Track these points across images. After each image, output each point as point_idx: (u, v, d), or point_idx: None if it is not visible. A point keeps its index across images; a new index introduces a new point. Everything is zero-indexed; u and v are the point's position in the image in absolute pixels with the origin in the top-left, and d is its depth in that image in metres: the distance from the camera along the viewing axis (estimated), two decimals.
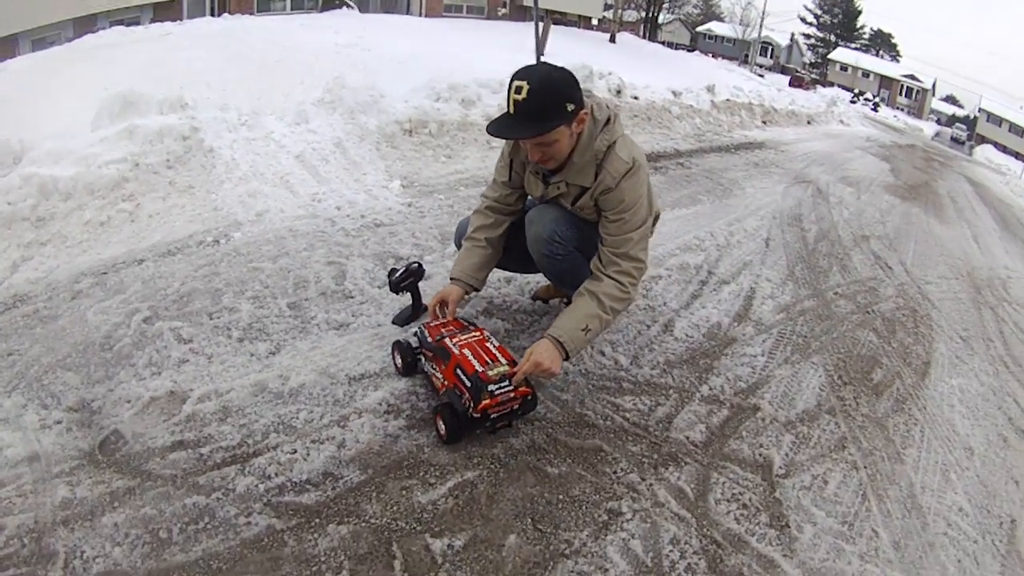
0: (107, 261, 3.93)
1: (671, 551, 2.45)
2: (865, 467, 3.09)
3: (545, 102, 2.58)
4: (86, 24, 17.05)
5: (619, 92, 9.34)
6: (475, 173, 6.12)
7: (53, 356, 3.14)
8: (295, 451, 2.66)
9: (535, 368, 2.69)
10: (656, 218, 3.31)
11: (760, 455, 3.00)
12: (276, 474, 2.55)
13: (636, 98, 9.58)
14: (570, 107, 2.62)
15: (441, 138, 6.50)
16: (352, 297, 3.78)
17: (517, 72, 2.64)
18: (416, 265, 3.32)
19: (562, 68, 2.68)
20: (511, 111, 2.63)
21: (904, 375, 3.96)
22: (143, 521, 2.33)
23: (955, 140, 45.47)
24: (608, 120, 2.83)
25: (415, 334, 3.11)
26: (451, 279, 3.17)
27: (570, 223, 3.02)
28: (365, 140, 5.93)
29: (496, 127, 2.70)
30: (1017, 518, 3.10)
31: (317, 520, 2.39)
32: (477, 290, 3.25)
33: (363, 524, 2.39)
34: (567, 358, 2.82)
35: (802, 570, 2.47)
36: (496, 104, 7.11)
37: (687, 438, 3.03)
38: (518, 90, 2.57)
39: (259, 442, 2.70)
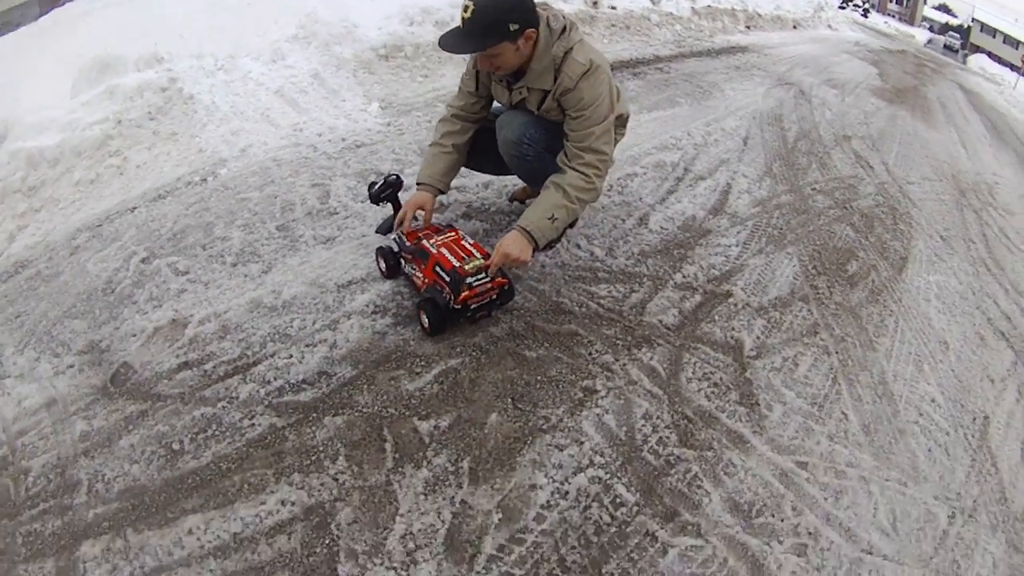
0: (100, 214, 3.95)
1: (643, 425, 2.53)
2: (836, 352, 3.10)
3: (486, 22, 2.70)
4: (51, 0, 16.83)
5: (595, 3, 9.03)
6: (452, 89, 5.86)
7: (59, 309, 3.20)
8: (291, 356, 2.75)
9: (505, 259, 2.79)
10: (625, 120, 3.37)
11: (731, 337, 3.04)
12: (275, 378, 2.64)
13: (614, 8, 9.22)
14: (513, 27, 2.71)
15: (417, 59, 6.39)
16: (337, 213, 3.81)
17: None
18: (394, 177, 3.34)
19: None
20: (460, 26, 2.76)
21: (880, 268, 3.93)
22: (156, 438, 2.43)
23: (948, 48, 43.66)
24: (564, 29, 2.91)
25: (395, 239, 3.16)
26: (419, 184, 3.22)
27: (538, 125, 3.08)
28: (342, 69, 5.84)
29: (443, 40, 2.83)
30: (990, 415, 3.12)
31: (314, 415, 2.48)
32: (444, 193, 3.31)
33: (356, 414, 2.49)
34: (537, 247, 2.89)
35: (771, 446, 2.54)
36: None
37: (660, 322, 3.08)
38: (465, 8, 2.71)
39: (257, 352, 2.78)
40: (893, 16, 53.39)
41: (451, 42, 2.80)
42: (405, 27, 6.62)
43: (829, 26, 17.19)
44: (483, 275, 2.76)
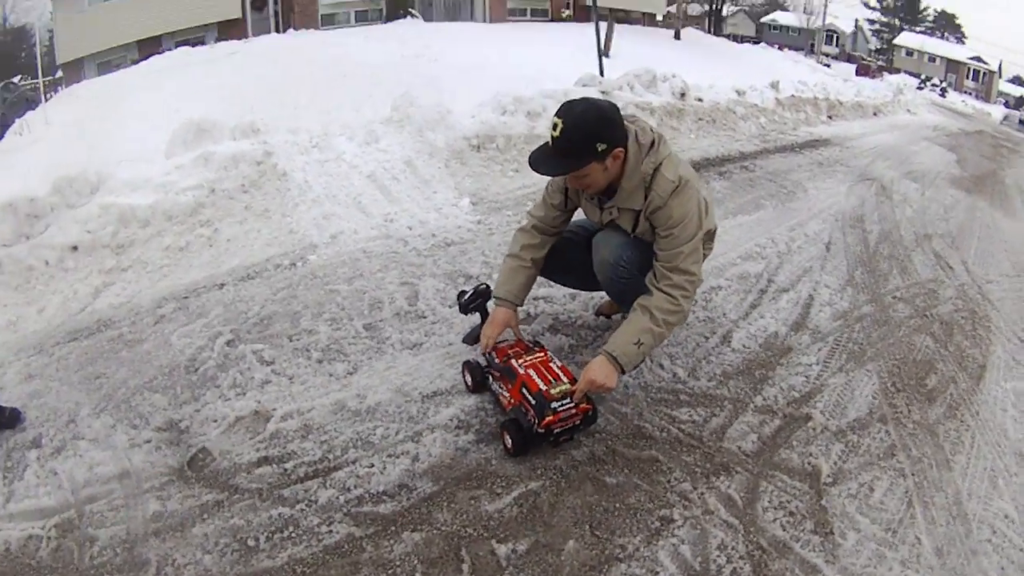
0: (188, 286, 4.31)
1: (718, 556, 2.64)
2: (913, 474, 3.16)
3: (575, 141, 2.87)
4: (151, 46, 17.94)
5: (683, 95, 9.44)
6: (542, 188, 6.21)
7: (140, 378, 3.51)
8: (372, 465, 2.96)
9: (591, 386, 2.94)
10: (713, 234, 3.55)
11: (809, 464, 3.14)
12: (355, 486, 2.85)
13: (700, 100, 9.67)
14: (601, 147, 2.88)
15: (508, 152, 6.77)
16: (424, 317, 4.07)
17: (561, 106, 2.93)
18: (484, 287, 3.58)
19: (601, 105, 2.96)
20: (550, 144, 2.94)
21: (959, 380, 3.96)
22: (231, 531, 2.64)
23: (1023, 123, 43.81)
24: (652, 143, 3.06)
25: (484, 355, 3.38)
26: (498, 298, 3.43)
27: (635, 247, 3.25)
28: (434, 157, 6.24)
29: (534, 158, 3.02)
30: None
31: (393, 528, 2.67)
32: (520, 306, 3.51)
33: (434, 531, 2.66)
34: (623, 372, 3.06)
35: (844, 575, 2.61)
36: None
37: (739, 448, 3.21)
38: (555, 127, 2.87)
39: (339, 457, 3.00)
40: (970, 93, 53.34)
41: (540, 161, 2.97)
42: (497, 116, 7.04)
43: (908, 110, 17.36)
44: (568, 400, 2.91)
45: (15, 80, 20.99)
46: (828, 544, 2.73)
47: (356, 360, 3.66)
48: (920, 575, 2.65)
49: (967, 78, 61.53)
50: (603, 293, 3.83)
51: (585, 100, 2.96)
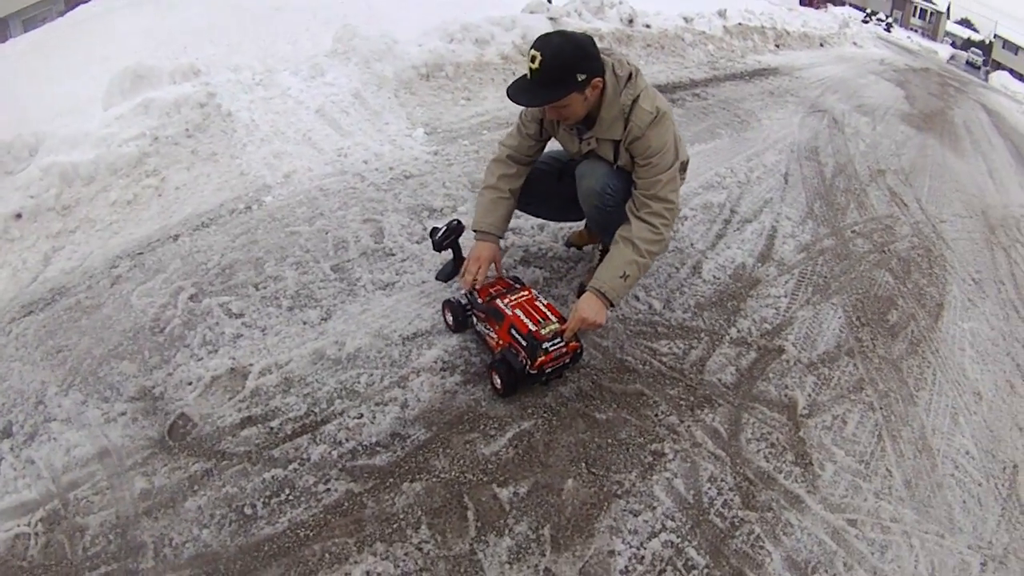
0: (141, 240, 4.07)
1: (709, 488, 2.73)
2: (881, 408, 3.34)
3: (555, 73, 2.82)
4: None
5: (631, 21, 9.26)
6: (496, 115, 6.21)
7: (104, 346, 3.30)
8: (361, 415, 2.85)
9: (582, 323, 2.94)
10: (686, 165, 3.50)
11: (785, 396, 3.27)
12: (347, 439, 2.74)
13: (648, 26, 9.51)
14: (580, 76, 2.85)
15: (458, 80, 6.57)
16: (393, 255, 3.92)
17: (536, 40, 2.88)
18: (456, 223, 3.44)
19: (576, 37, 2.89)
20: (528, 76, 2.88)
21: (919, 317, 4.16)
22: (226, 500, 2.52)
23: (970, 64, 44.57)
24: (630, 76, 3.04)
25: (464, 294, 3.28)
26: (480, 231, 3.33)
27: (619, 176, 3.20)
28: (383, 88, 5.98)
29: (514, 90, 2.93)
30: (1019, 464, 3.34)
31: (391, 480, 2.59)
32: (502, 238, 3.43)
33: (434, 479, 2.61)
34: (611, 306, 3.04)
35: (824, 505, 2.75)
36: (510, 41, 7.20)
37: (719, 380, 3.29)
38: (532, 59, 2.82)
39: (325, 410, 2.88)
40: (916, 31, 54.15)
41: (519, 94, 2.91)
42: (445, 44, 6.80)
43: (854, 43, 17.55)
44: (559, 340, 2.89)
45: None
46: (808, 475, 2.87)
47: (328, 305, 3.51)
48: (892, 506, 2.81)
49: (914, 16, 61.97)
50: (571, 224, 3.76)
51: (561, 32, 2.92)
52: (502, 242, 3.85)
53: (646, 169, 3.04)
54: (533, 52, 2.81)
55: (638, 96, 3.01)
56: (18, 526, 2.51)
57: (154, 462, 2.68)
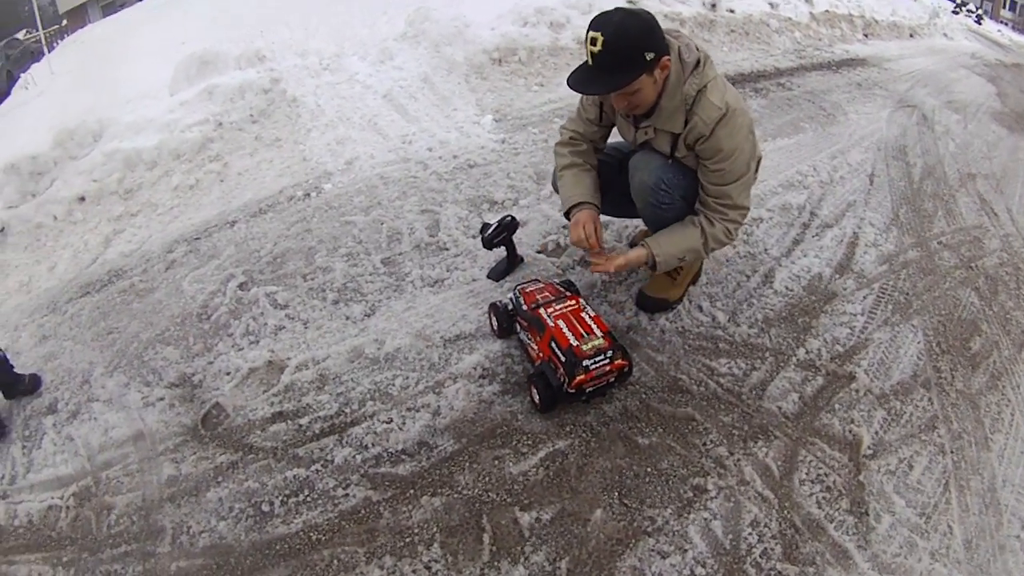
0: (199, 226, 4.18)
1: (749, 534, 2.52)
2: (952, 452, 3.01)
3: (622, 53, 2.58)
4: None
5: (714, 6, 8.98)
6: (570, 102, 5.98)
7: (152, 331, 3.41)
8: (391, 420, 2.83)
9: (624, 267, 2.96)
10: (758, 162, 3.23)
11: (850, 432, 2.98)
12: (372, 444, 2.74)
13: (732, 11, 9.19)
14: (649, 56, 2.60)
15: (532, 65, 6.45)
16: (447, 249, 3.89)
17: (592, 21, 2.62)
18: (509, 219, 3.39)
19: (638, 12, 2.64)
20: (589, 62, 2.64)
21: (1002, 345, 3.77)
22: (246, 494, 2.57)
23: None
24: (698, 63, 2.78)
25: (511, 298, 3.18)
26: (575, 205, 3.10)
27: (676, 170, 2.99)
28: (453, 73, 5.97)
29: (576, 80, 2.71)
30: None
31: (411, 491, 2.56)
32: (601, 211, 3.20)
33: (455, 496, 2.55)
34: (653, 269, 2.99)
35: (872, 563, 2.50)
36: (587, 25, 7.01)
37: (779, 408, 3.04)
38: (593, 41, 2.58)
39: (356, 411, 2.89)
40: (1006, 23, 51.53)
41: (584, 81, 2.70)
42: (519, 28, 6.70)
43: (944, 34, 16.73)
44: (602, 357, 2.69)
45: (19, 35, 20.86)
46: (862, 527, 2.61)
47: (374, 300, 3.51)
48: (947, 570, 2.54)
49: (1004, 7, 59.32)
50: (639, 221, 3.61)
51: (619, 9, 2.65)
52: (559, 238, 3.87)
53: (718, 175, 2.85)
54: (593, 34, 2.57)
55: (705, 86, 2.75)
56: (52, 498, 2.67)
57: (184, 450, 2.77)
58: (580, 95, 3.11)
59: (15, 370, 3.16)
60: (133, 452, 2.78)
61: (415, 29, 6.29)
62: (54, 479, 2.74)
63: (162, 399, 3.01)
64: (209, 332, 3.35)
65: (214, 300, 3.55)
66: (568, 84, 2.73)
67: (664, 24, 2.71)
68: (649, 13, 2.66)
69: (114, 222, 4.19)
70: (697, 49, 2.80)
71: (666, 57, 2.66)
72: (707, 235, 2.91)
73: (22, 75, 12.74)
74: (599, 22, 2.59)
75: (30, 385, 3.16)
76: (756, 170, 3.19)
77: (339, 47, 6.13)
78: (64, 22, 20.58)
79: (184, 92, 5.04)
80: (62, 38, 17.66)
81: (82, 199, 4.19)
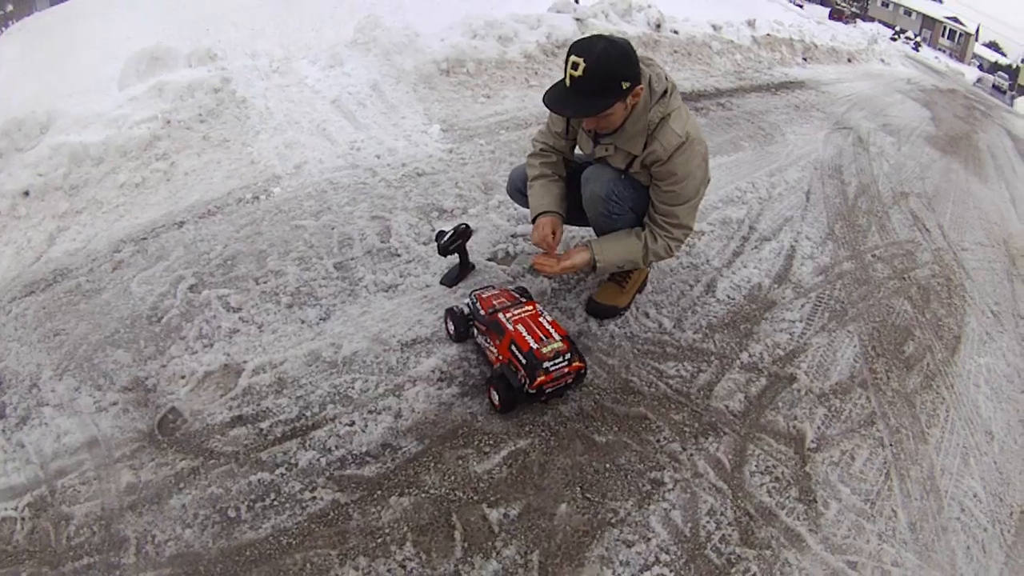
0: (146, 225, 4.09)
1: (707, 522, 2.66)
2: (891, 444, 3.25)
3: (600, 81, 2.73)
4: None
5: (659, 26, 9.20)
6: (515, 115, 6.18)
7: (101, 333, 3.33)
8: (353, 423, 2.84)
9: (570, 270, 3.16)
10: (707, 182, 3.40)
11: (794, 427, 3.18)
12: (336, 447, 2.74)
13: (676, 32, 9.45)
14: (625, 85, 2.76)
15: (479, 77, 6.53)
16: (398, 255, 3.91)
17: (575, 45, 2.77)
18: (463, 227, 3.44)
19: (619, 43, 2.77)
20: (567, 84, 2.78)
21: (935, 349, 4.05)
22: (210, 500, 2.54)
23: (996, 88, 44.15)
24: (665, 92, 2.96)
25: (467, 304, 3.25)
26: (540, 215, 3.28)
27: (626, 183, 3.16)
28: (402, 82, 5.98)
29: (552, 100, 2.87)
30: None
31: (379, 492, 2.58)
32: (565, 221, 3.39)
33: (423, 495, 2.59)
34: (593, 270, 3.18)
35: (824, 545, 2.67)
36: (534, 40, 7.15)
37: (726, 407, 3.22)
38: (575, 66, 2.71)
39: (317, 414, 2.88)
40: (944, 51, 53.94)
41: (561, 102, 2.84)
42: (468, 40, 6.77)
43: (882, 60, 17.45)
44: (561, 359, 2.82)
45: None
46: (811, 512, 2.80)
47: (328, 304, 3.51)
48: (895, 550, 2.73)
49: (942, 36, 61.89)
50: (588, 231, 3.71)
51: (602, 37, 2.79)
52: (508, 247, 3.95)
53: (670, 195, 3.03)
54: (575, 59, 2.72)
55: (669, 114, 2.95)
56: (5, 510, 2.56)
57: (142, 456, 2.71)
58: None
59: None
60: (88, 459, 2.71)
61: (366, 36, 6.27)
62: (6, 488, 2.63)
63: (115, 404, 2.93)
64: (160, 335, 3.29)
65: (164, 302, 3.48)
66: (544, 102, 2.88)
67: None
68: (629, 43, 2.81)
69: (59, 219, 4.07)
70: (666, 79, 3.00)
71: (639, 87, 2.82)
72: (648, 248, 3.12)
73: None
74: (582, 47, 2.74)
75: None
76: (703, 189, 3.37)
77: (286, 50, 6.08)
78: (9, 7, 19.93)
79: (133, 87, 4.92)
80: (7, 25, 17.12)
81: (26, 193, 4.06)
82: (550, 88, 2.90)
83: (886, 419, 3.37)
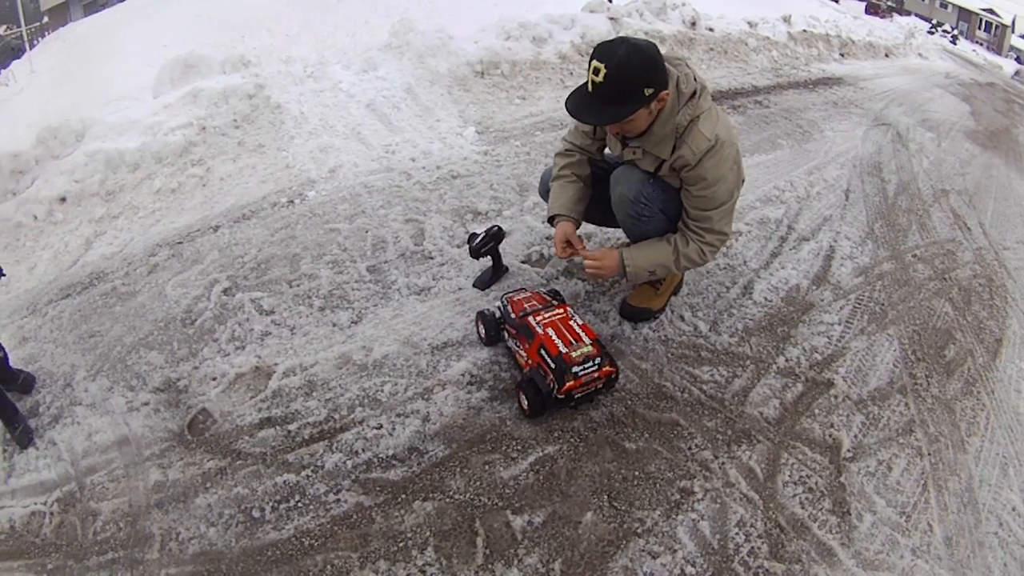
0: (181, 230, 4.15)
1: (736, 533, 2.59)
2: (929, 454, 3.12)
3: (622, 87, 2.66)
4: None
5: (694, 24, 9.10)
6: (550, 115, 6.14)
7: (135, 335, 3.38)
8: (380, 426, 2.84)
9: (596, 266, 3.07)
10: (742, 182, 3.30)
11: (830, 436, 3.08)
12: (363, 450, 2.74)
13: (711, 30, 9.33)
14: (648, 91, 2.68)
15: (514, 79, 6.52)
16: (432, 258, 3.90)
17: (597, 49, 2.69)
18: (496, 229, 3.42)
19: (643, 47, 2.69)
20: (589, 90, 2.72)
21: (976, 353, 3.90)
22: (235, 500, 2.55)
23: None
24: (694, 93, 2.85)
25: (498, 306, 3.23)
26: (554, 217, 3.28)
27: (656, 185, 3.08)
28: (436, 84, 6.00)
29: (574, 106, 2.81)
30: None
31: (403, 496, 2.57)
32: (579, 224, 3.33)
33: (447, 500, 2.57)
34: (625, 277, 3.14)
35: (856, 560, 2.58)
36: (569, 41, 7.13)
37: (761, 414, 3.13)
38: (596, 71, 2.64)
39: (345, 417, 2.89)
40: (981, 44, 52.72)
41: (582, 109, 2.79)
42: (502, 42, 6.76)
43: (919, 54, 17.05)
44: (591, 364, 2.76)
45: None
46: (844, 526, 2.71)
47: (360, 308, 3.51)
48: (929, 566, 2.63)
49: (979, 28, 60.73)
50: (621, 233, 3.67)
51: (625, 41, 2.70)
52: (542, 249, 3.90)
53: (700, 200, 2.94)
54: (596, 64, 2.64)
55: (697, 117, 2.84)
56: (35, 504, 2.63)
57: (171, 455, 2.75)
58: None
59: (11, 368, 3.11)
60: (118, 457, 2.75)
61: (399, 40, 6.31)
62: (37, 484, 2.70)
63: (147, 404, 2.98)
64: (194, 337, 3.33)
65: (198, 305, 3.52)
66: (566, 107, 2.82)
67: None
68: (654, 46, 2.72)
69: (95, 224, 4.16)
70: (695, 79, 2.88)
71: (665, 91, 2.73)
72: (679, 253, 3.02)
73: (2, 72, 12.68)
74: (603, 52, 2.66)
75: (24, 384, 3.11)
76: (737, 191, 3.28)
77: (321, 55, 6.16)
78: (46, 19, 20.42)
79: (168, 95, 5.01)
80: (43, 35, 17.55)
81: (63, 200, 4.15)
82: (572, 93, 2.85)
83: (925, 427, 3.26)
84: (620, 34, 6.02)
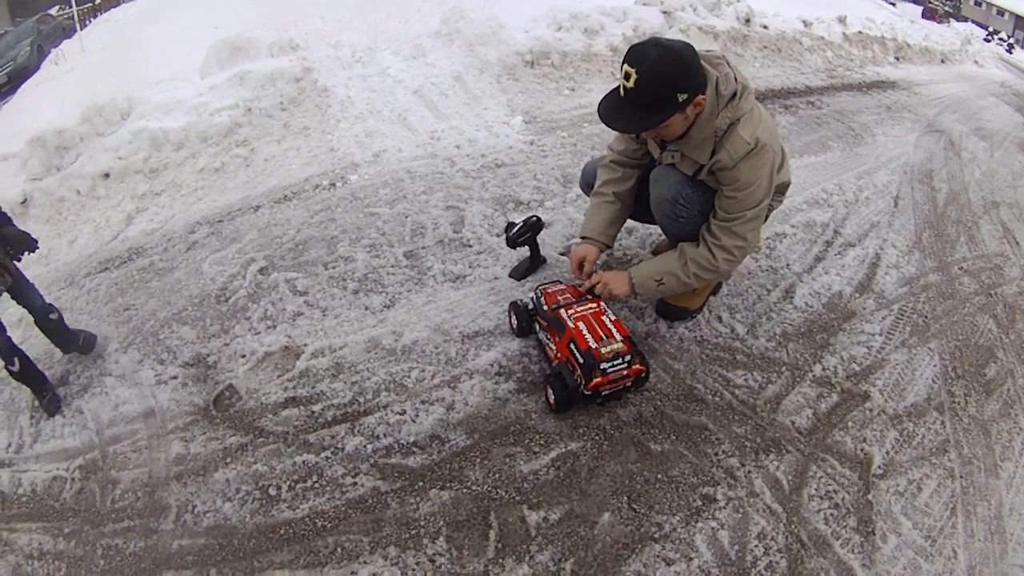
0: (222, 208, 4.20)
1: (756, 546, 2.49)
2: (961, 477, 2.98)
3: (654, 93, 2.55)
4: None
5: (748, 21, 8.95)
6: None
7: (169, 310, 3.42)
8: (404, 412, 2.82)
9: (603, 288, 2.99)
10: (785, 187, 3.23)
11: (861, 450, 2.96)
12: (384, 435, 2.73)
13: (765, 27, 9.16)
14: (682, 97, 2.56)
15: (564, 69, 6.44)
16: (470, 246, 3.87)
17: (629, 51, 2.59)
18: (535, 219, 3.38)
19: (677, 50, 2.56)
20: (621, 94, 2.62)
21: (1017, 374, 3.72)
22: (253, 477, 2.57)
23: None
24: (734, 95, 2.73)
25: (532, 297, 3.18)
26: (583, 238, 3.22)
27: (695, 186, 2.97)
28: (485, 73, 5.97)
29: (605, 112, 2.71)
30: None
31: (421, 484, 2.55)
32: (609, 247, 3.28)
33: (464, 491, 2.54)
34: (635, 295, 3.07)
35: None
36: (620, 33, 7.01)
37: (792, 423, 3.02)
38: (627, 76, 2.54)
39: (370, 401, 2.88)
40: None
41: (615, 116, 2.68)
42: (553, 32, 6.69)
43: (975, 62, 16.58)
44: (620, 361, 2.69)
45: (51, 11, 21.10)
46: (867, 546, 2.59)
47: (394, 292, 3.50)
48: None
49: None
50: (660, 231, 3.59)
51: (658, 44, 2.57)
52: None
53: (731, 202, 2.84)
54: (627, 68, 2.53)
55: (738, 119, 2.72)
56: (57, 469, 2.70)
57: (194, 429, 2.78)
58: None
59: (69, 329, 3.18)
60: (143, 428, 2.79)
61: (450, 27, 6.30)
62: (61, 450, 2.76)
63: (175, 378, 3.02)
64: (226, 314, 3.36)
65: (233, 283, 3.56)
66: (598, 113, 2.72)
67: (699, 39, 2.65)
68: (689, 48, 2.60)
69: (137, 200, 4.22)
70: (736, 80, 2.75)
71: (701, 96, 2.61)
72: (687, 258, 2.91)
73: (53, 50, 13.02)
74: (635, 56, 2.55)
75: (85, 344, 3.20)
76: (780, 196, 3.23)
77: (372, 41, 6.17)
78: (98, 0, 20.80)
79: (215, 76, 5.07)
80: (95, 16, 17.93)
81: (106, 175, 4.22)
82: (605, 97, 2.75)
83: (959, 448, 3.12)
84: (673, 28, 5.92)
